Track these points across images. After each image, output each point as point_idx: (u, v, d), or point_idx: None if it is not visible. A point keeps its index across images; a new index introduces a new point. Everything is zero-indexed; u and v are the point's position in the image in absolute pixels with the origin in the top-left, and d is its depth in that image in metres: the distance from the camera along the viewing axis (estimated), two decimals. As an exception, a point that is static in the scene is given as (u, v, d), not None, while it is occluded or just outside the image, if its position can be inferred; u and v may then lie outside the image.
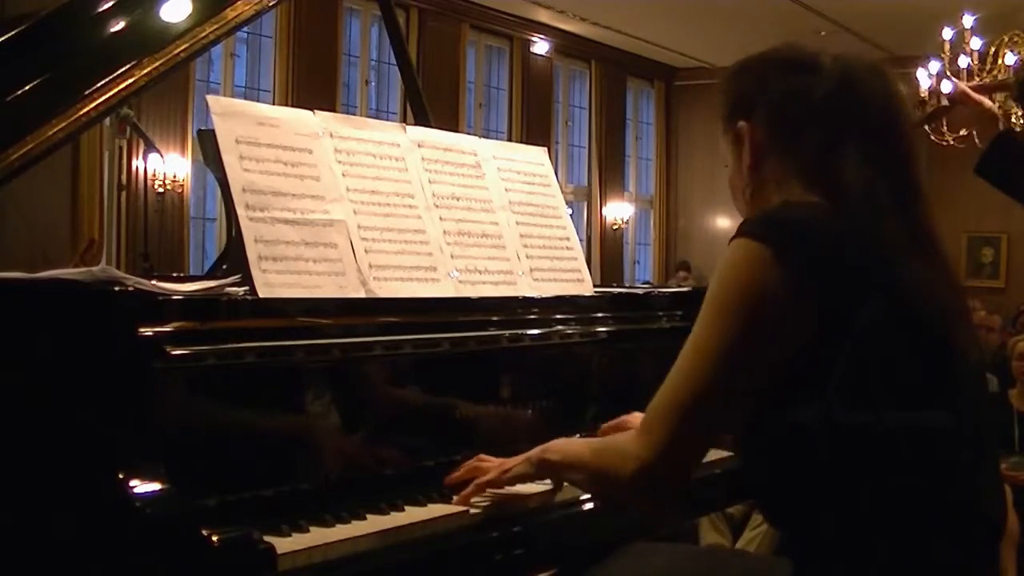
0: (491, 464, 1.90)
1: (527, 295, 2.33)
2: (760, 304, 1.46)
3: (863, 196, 1.53)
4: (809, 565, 1.52)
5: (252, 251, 1.87)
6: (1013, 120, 6.00)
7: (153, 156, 7.86)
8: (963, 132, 3.28)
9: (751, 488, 1.67)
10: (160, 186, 8.27)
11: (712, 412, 1.49)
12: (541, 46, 11.84)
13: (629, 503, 1.64)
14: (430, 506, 1.86)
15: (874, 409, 1.44)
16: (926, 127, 3.09)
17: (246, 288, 1.85)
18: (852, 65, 1.63)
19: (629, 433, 1.59)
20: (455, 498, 1.88)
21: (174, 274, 2.86)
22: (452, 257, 2.23)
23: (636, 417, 2.11)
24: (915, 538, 1.45)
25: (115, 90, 2.14)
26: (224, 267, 2.16)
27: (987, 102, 2.98)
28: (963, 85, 3.01)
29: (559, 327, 2.35)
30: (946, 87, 6.99)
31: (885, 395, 1.45)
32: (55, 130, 2.05)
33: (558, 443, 1.81)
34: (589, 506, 2.02)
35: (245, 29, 6.35)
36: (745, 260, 1.49)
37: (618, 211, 12.94)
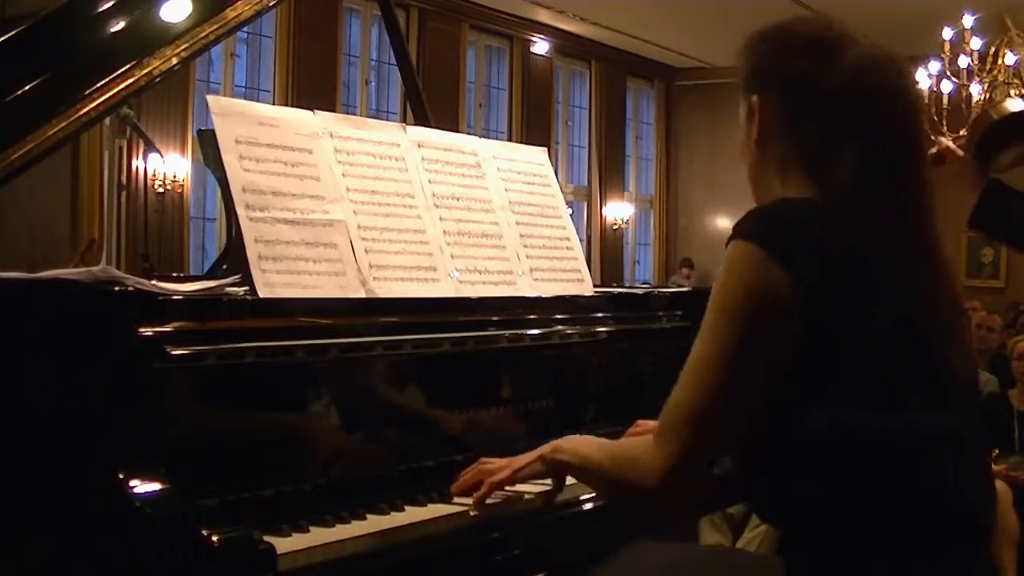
0: (497, 465, 1.89)
1: (527, 295, 2.33)
2: (760, 305, 1.46)
3: (854, 198, 1.52)
4: (800, 562, 1.53)
5: (252, 251, 1.87)
6: (1013, 94, 5.98)
7: (153, 156, 7.86)
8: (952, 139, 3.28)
9: (745, 486, 1.67)
10: (160, 186, 8.27)
11: (724, 415, 1.49)
12: (541, 46, 11.84)
13: (648, 508, 1.64)
14: (430, 506, 1.86)
15: (862, 412, 1.44)
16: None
17: (246, 288, 1.85)
18: (870, 60, 1.60)
19: (645, 440, 1.57)
20: (456, 490, 1.88)
21: (174, 274, 2.86)
22: (452, 257, 2.23)
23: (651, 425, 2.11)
24: (901, 537, 1.46)
25: (115, 90, 2.14)
26: (224, 267, 2.16)
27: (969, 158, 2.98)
28: (947, 141, 3.01)
29: (559, 327, 2.35)
30: (946, 87, 6.98)
31: (873, 399, 1.46)
32: (55, 130, 2.05)
33: (571, 443, 1.79)
34: (589, 506, 2.02)
35: (245, 29, 6.35)
36: (741, 262, 1.49)
37: (618, 211, 12.94)
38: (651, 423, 2.13)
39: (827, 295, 1.45)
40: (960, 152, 2.95)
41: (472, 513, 1.85)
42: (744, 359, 1.47)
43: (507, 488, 1.88)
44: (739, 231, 1.51)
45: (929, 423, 1.47)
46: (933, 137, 3.24)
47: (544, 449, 1.82)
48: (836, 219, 1.50)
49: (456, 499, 1.89)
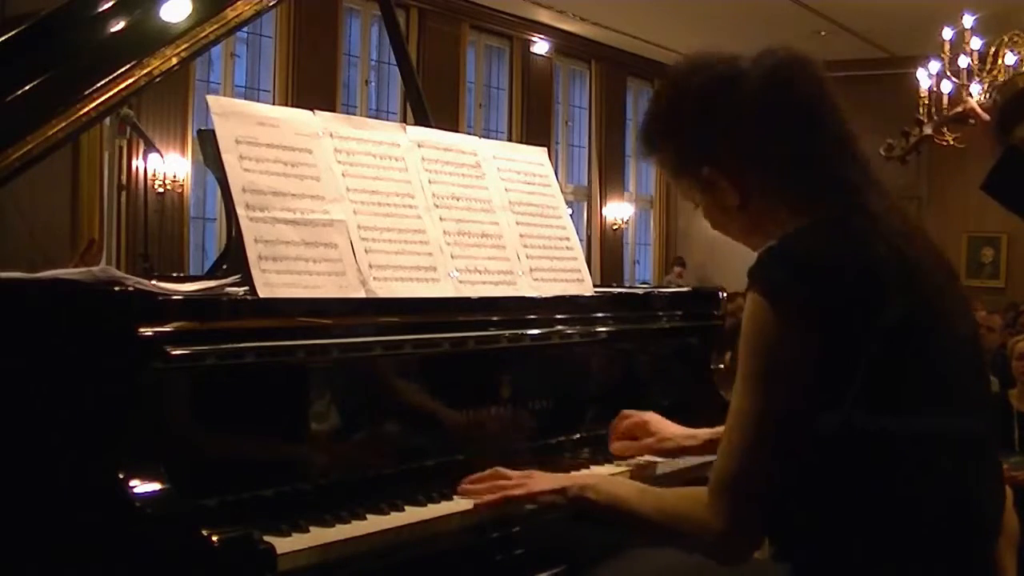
0: (515, 480, 1.87)
1: (527, 295, 2.33)
2: (776, 360, 1.49)
3: (851, 205, 1.54)
4: (809, 567, 1.53)
5: (252, 251, 1.87)
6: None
7: (153, 156, 7.87)
8: (950, 141, 3.28)
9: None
10: (160, 186, 8.28)
11: (770, 467, 1.52)
12: (541, 46, 11.84)
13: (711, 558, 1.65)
14: (430, 506, 1.86)
15: (877, 416, 1.45)
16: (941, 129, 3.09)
17: (246, 288, 1.85)
18: (766, 62, 1.61)
19: (698, 497, 1.58)
20: (466, 492, 1.88)
21: (174, 274, 2.86)
22: (452, 257, 2.22)
23: (653, 417, 2.12)
24: (911, 540, 1.46)
25: (115, 90, 2.14)
26: (224, 267, 2.16)
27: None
28: (972, 102, 3.00)
29: (559, 327, 2.35)
30: (946, 87, 6.99)
31: (890, 404, 1.46)
32: (55, 130, 2.05)
33: (604, 484, 1.79)
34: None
35: (245, 29, 6.34)
36: (753, 318, 1.52)
37: (618, 211, 12.95)
38: (634, 413, 2.14)
39: (838, 329, 1.46)
40: (984, 115, 2.94)
41: (469, 506, 1.85)
42: (777, 412, 1.50)
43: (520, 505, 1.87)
44: (759, 284, 1.52)
45: (953, 431, 1.48)
46: (949, 79, 3.24)
47: (569, 484, 1.81)
48: (841, 239, 1.51)
49: (458, 495, 1.89)
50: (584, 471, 2.13)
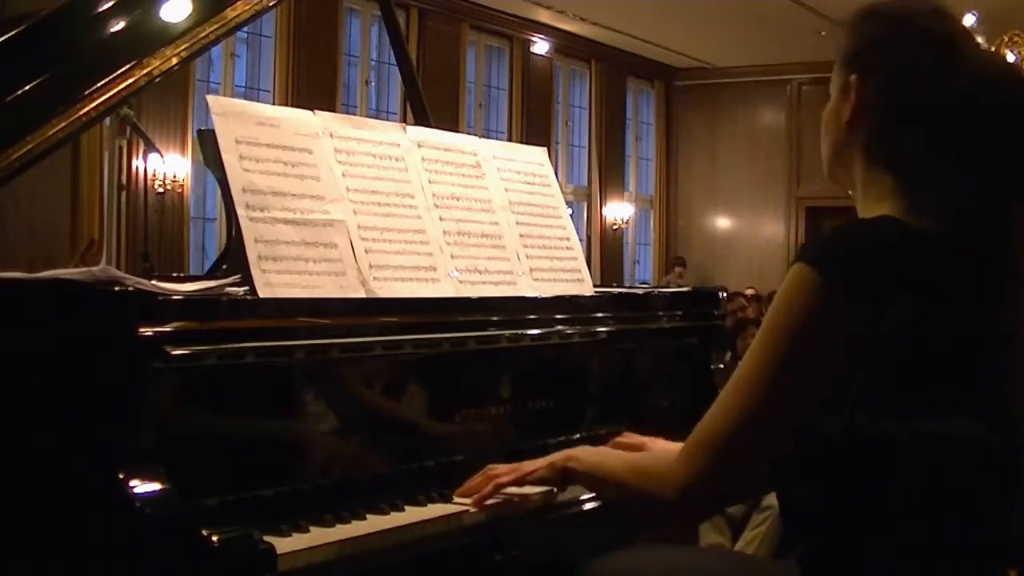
0: (504, 469, 1.88)
1: (527, 295, 2.33)
2: (810, 332, 1.40)
3: (949, 225, 1.43)
4: (818, 571, 1.51)
5: (252, 251, 1.87)
6: None
7: (153, 156, 7.87)
8: None
9: (779, 500, 1.64)
10: (160, 186, 8.28)
11: (758, 439, 1.44)
12: (541, 46, 11.85)
13: (668, 522, 1.62)
14: (430, 506, 1.86)
15: (899, 419, 1.40)
16: None
17: (246, 288, 1.85)
18: (992, 69, 1.50)
19: (670, 456, 1.54)
20: (463, 494, 1.88)
21: (174, 274, 2.86)
22: (452, 257, 2.23)
23: (656, 442, 2.07)
24: (928, 553, 1.43)
25: (115, 90, 2.14)
26: (224, 267, 2.16)
27: None
28: None
29: (559, 327, 2.35)
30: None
31: (914, 408, 1.40)
32: (55, 130, 2.05)
33: (585, 453, 1.78)
34: (590, 507, 2.02)
35: (245, 29, 6.35)
36: (798, 287, 1.42)
37: (618, 211, 12.95)
38: (635, 437, 2.10)
39: (884, 322, 1.37)
40: None
41: (471, 509, 1.85)
42: (787, 384, 1.42)
43: (513, 490, 1.88)
44: (804, 255, 1.43)
45: (968, 440, 1.43)
46: None
47: (555, 457, 1.80)
48: (921, 247, 1.41)
49: (457, 499, 1.89)
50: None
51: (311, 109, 2.15)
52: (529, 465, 1.85)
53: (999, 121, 1.46)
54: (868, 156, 1.53)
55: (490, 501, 1.87)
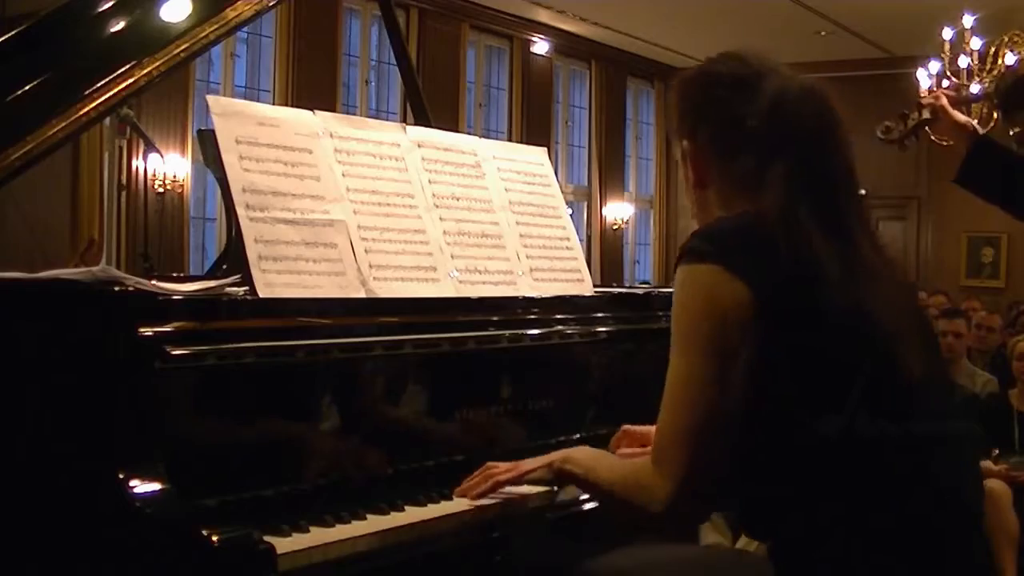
0: (503, 467, 1.88)
1: (527, 295, 2.33)
2: (724, 322, 1.50)
3: (784, 219, 1.56)
4: (789, 567, 1.54)
5: (252, 251, 1.87)
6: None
7: (153, 156, 7.86)
8: (945, 143, 3.28)
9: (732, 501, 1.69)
10: (160, 186, 8.27)
11: (716, 432, 1.52)
12: (541, 46, 11.83)
13: (661, 529, 1.66)
14: (430, 506, 1.86)
15: (817, 416, 1.47)
16: (912, 137, 3.08)
17: (246, 288, 1.85)
18: (787, 88, 1.65)
19: (646, 464, 1.59)
20: (462, 492, 1.88)
21: (174, 274, 2.86)
22: (452, 257, 2.23)
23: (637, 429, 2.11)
24: (871, 543, 1.47)
25: (115, 90, 2.14)
26: (224, 267, 2.16)
27: (960, 116, 2.99)
28: (943, 100, 3.01)
29: (559, 327, 2.35)
30: (945, 84, 6.99)
31: (827, 403, 1.48)
32: (55, 130, 2.05)
33: (581, 455, 1.80)
34: (589, 506, 2.02)
35: (245, 29, 6.34)
36: (696, 284, 1.54)
37: (618, 211, 12.94)
38: (637, 428, 2.13)
39: (780, 299, 1.50)
40: (951, 111, 2.96)
41: (471, 509, 1.85)
42: (718, 373, 1.51)
43: (511, 489, 1.88)
44: (688, 253, 1.56)
45: (882, 424, 1.49)
46: (922, 96, 3.22)
47: (554, 457, 1.82)
48: (778, 228, 1.54)
49: (457, 499, 1.89)
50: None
51: (311, 109, 2.15)
52: (527, 464, 1.86)
53: (800, 123, 1.63)
54: (722, 199, 1.69)
55: (488, 500, 1.87)
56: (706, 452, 1.52)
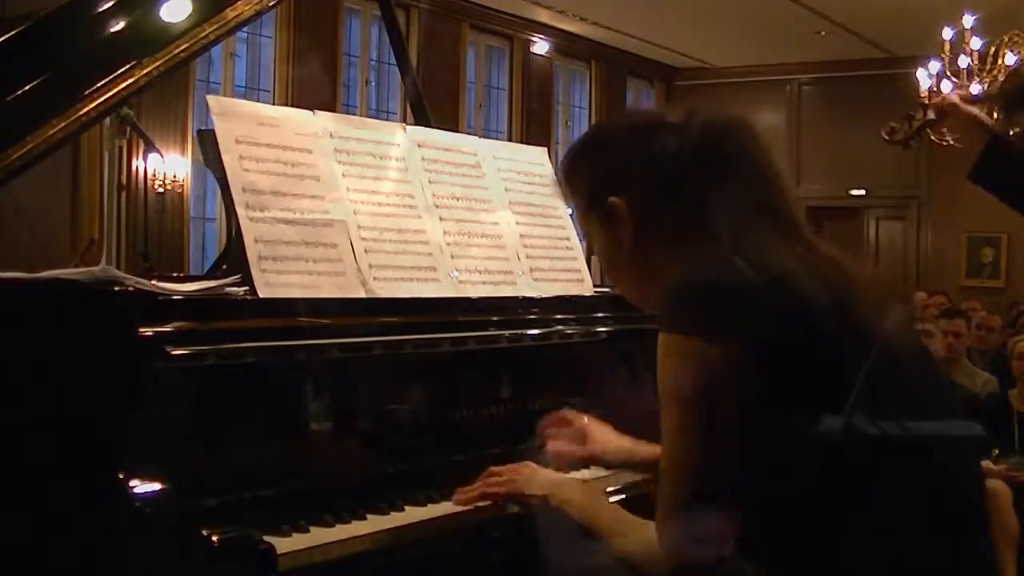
0: (505, 476, 1.87)
1: (527, 295, 2.33)
2: (712, 392, 1.48)
3: (744, 238, 1.54)
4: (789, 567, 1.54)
5: (252, 251, 1.87)
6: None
7: (153, 156, 7.86)
8: (950, 141, 3.28)
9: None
10: (160, 186, 8.27)
11: (714, 492, 1.51)
12: (541, 46, 11.84)
13: None
14: (430, 506, 1.86)
15: (806, 428, 1.46)
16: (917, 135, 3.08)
17: (246, 288, 1.85)
18: (705, 115, 1.64)
19: (652, 530, 1.57)
20: (460, 503, 1.88)
21: (174, 274, 2.86)
22: (452, 257, 2.23)
23: (594, 425, 2.12)
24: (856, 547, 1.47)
25: (115, 90, 2.14)
26: (224, 267, 2.16)
27: (975, 111, 2.97)
28: (953, 96, 3.00)
29: (559, 327, 2.35)
30: (946, 87, 6.99)
31: (814, 414, 1.47)
32: (55, 130, 2.05)
33: (581, 499, 1.78)
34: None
35: (245, 29, 6.34)
36: (681, 357, 1.51)
37: (618, 211, 12.93)
38: (575, 417, 2.13)
39: (767, 342, 1.47)
40: (964, 106, 2.94)
41: (457, 509, 1.85)
42: (715, 441, 1.49)
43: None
44: (668, 325, 1.53)
45: (882, 426, 1.49)
46: (923, 96, 3.23)
47: (553, 490, 1.81)
48: (737, 267, 1.51)
49: (457, 499, 1.89)
50: (574, 474, 2.11)
51: (311, 109, 2.15)
52: (526, 484, 1.84)
53: (730, 156, 1.60)
54: (668, 248, 1.62)
55: (488, 501, 1.87)
56: (709, 514, 1.51)
